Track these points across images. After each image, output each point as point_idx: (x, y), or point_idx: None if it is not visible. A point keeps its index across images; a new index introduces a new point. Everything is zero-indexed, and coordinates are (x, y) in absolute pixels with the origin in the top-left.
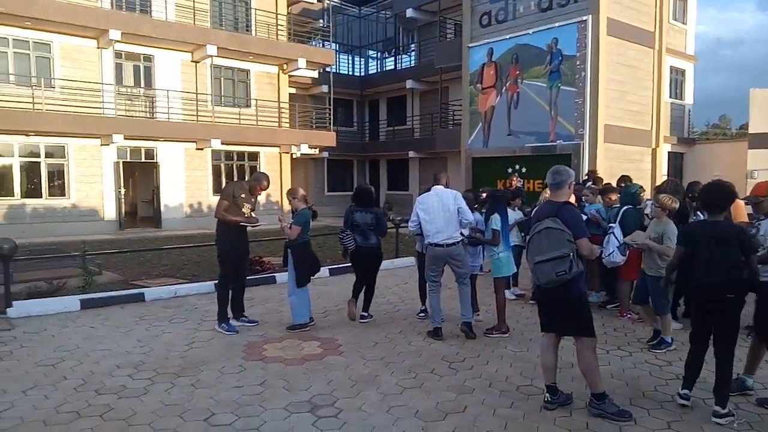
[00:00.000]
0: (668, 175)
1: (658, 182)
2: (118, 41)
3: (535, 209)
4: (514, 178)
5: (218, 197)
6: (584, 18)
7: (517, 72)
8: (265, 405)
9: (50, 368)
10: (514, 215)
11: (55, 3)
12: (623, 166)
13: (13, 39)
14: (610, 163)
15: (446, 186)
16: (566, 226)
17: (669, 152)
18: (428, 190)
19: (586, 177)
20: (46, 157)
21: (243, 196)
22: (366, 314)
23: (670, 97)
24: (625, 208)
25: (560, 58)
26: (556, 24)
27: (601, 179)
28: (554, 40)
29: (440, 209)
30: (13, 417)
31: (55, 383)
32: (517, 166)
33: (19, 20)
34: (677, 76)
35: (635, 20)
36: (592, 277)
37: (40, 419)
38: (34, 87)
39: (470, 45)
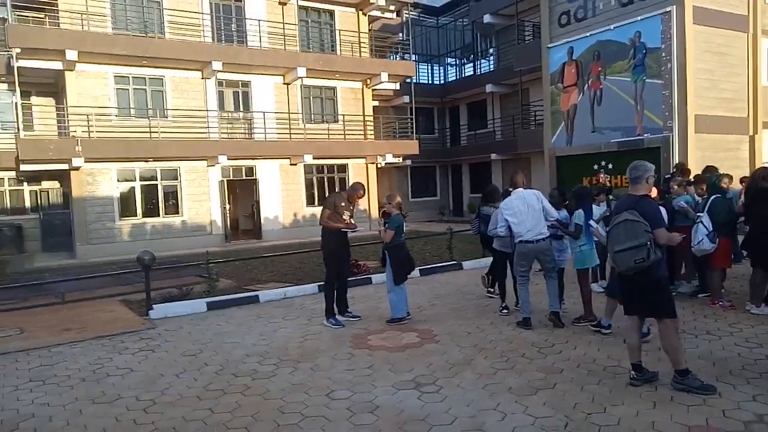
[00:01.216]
0: None
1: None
2: (219, 71)
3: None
4: (601, 175)
5: (311, 208)
6: (668, 9)
7: (600, 68)
8: (375, 383)
9: (193, 357)
10: (599, 210)
11: (167, 42)
12: (718, 156)
13: (133, 77)
14: (703, 153)
15: (524, 186)
16: (643, 217)
17: None
18: (508, 193)
19: (674, 170)
20: (162, 179)
21: (343, 204)
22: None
23: None
24: (713, 197)
25: (644, 51)
26: (639, 17)
27: (689, 171)
28: (637, 33)
29: (527, 210)
30: (173, 394)
31: (200, 368)
32: (603, 163)
33: (138, 60)
34: None
35: (725, 5)
36: (685, 267)
37: (194, 395)
38: (150, 118)
39: (550, 45)
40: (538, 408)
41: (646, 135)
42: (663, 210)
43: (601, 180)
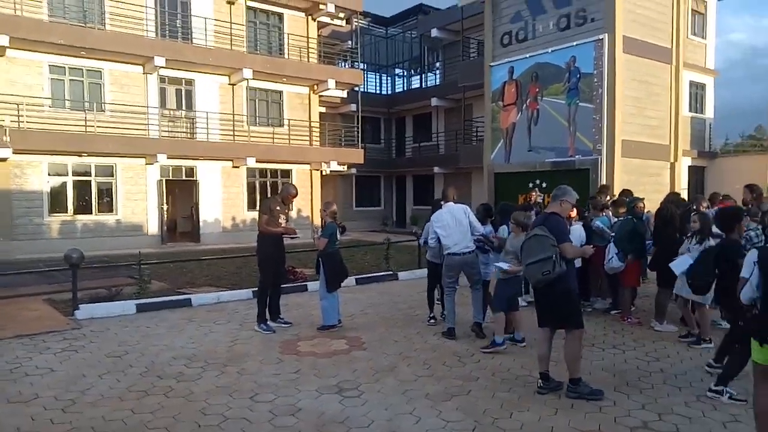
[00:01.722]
0: (688, 188)
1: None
2: (162, 67)
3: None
4: (534, 193)
5: (252, 213)
6: (600, 36)
7: (537, 89)
8: (299, 388)
9: (117, 359)
10: None
11: (107, 33)
12: (642, 180)
13: (69, 67)
14: (629, 177)
15: (455, 201)
16: (551, 232)
17: (690, 166)
18: (439, 206)
19: (598, 191)
20: (96, 175)
21: (278, 208)
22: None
23: (690, 111)
24: (621, 219)
25: (578, 75)
26: (574, 43)
27: (609, 193)
28: (572, 58)
29: (454, 224)
30: (94, 394)
31: (124, 370)
32: (538, 181)
33: (75, 50)
34: (697, 90)
35: (651, 37)
36: (599, 284)
37: (116, 396)
38: (87, 111)
39: (492, 64)
40: (451, 413)
41: (577, 156)
42: (581, 229)
43: (533, 197)
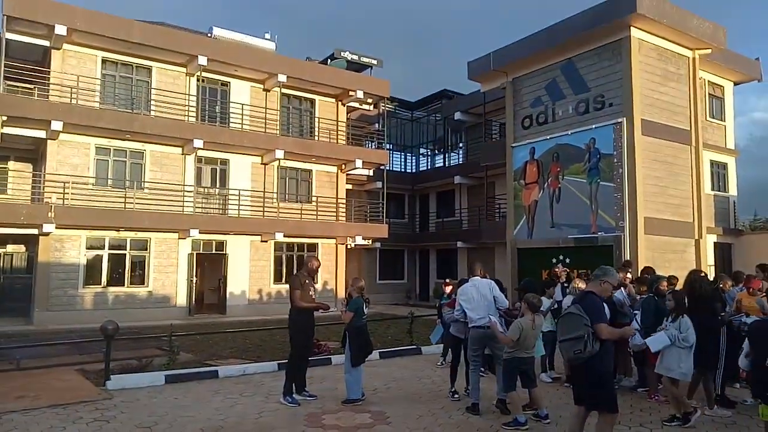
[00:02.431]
0: (715, 265)
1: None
2: (200, 149)
3: (564, 299)
4: (558, 268)
5: (278, 285)
6: (619, 120)
7: (558, 169)
8: None
9: (148, 429)
10: (547, 303)
11: (152, 119)
12: (666, 257)
13: (114, 149)
14: (653, 253)
15: (482, 276)
16: (585, 312)
17: (715, 243)
18: (466, 281)
19: (620, 267)
20: (131, 249)
21: (307, 282)
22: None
23: (713, 189)
24: (644, 297)
25: (598, 156)
26: (593, 126)
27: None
28: (592, 140)
29: (480, 298)
30: None
31: None
32: (561, 257)
33: (121, 134)
34: (719, 169)
35: (670, 120)
36: (625, 362)
37: None
38: (127, 189)
39: (513, 145)
40: None
41: (600, 233)
42: (605, 306)
43: (558, 272)
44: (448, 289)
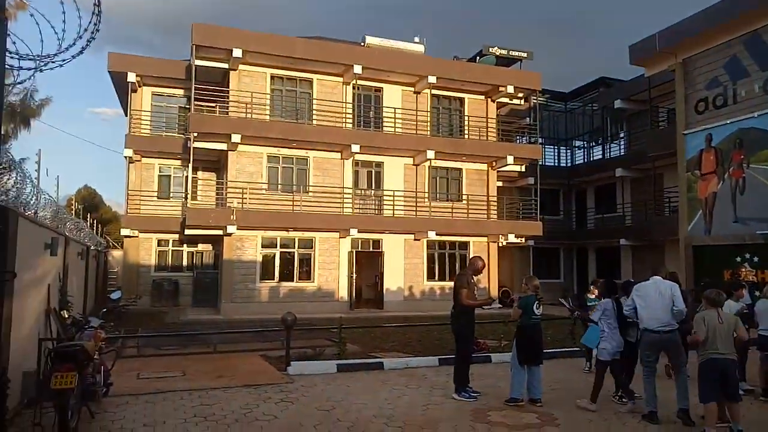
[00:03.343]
0: None
1: None
2: (357, 153)
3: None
4: (744, 269)
5: (430, 282)
6: None
7: (742, 156)
8: None
9: (327, 412)
10: (736, 306)
11: (314, 127)
12: None
13: (282, 156)
14: None
15: (664, 277)
16: None
17: None
18: (631, 283)
19: None
20: (298, 248)
21: (472, 281)
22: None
23: None
24: None
25: None
26: None
27: None
28: None
29: (657, 296)
30: None
31: (333, 423)
32: (747, 255)
33: (288, 143)
34: None
35: None
36: None
37: None
38: (294, 193)
39: (686, 132)
40: None
41: None
42: None
43: (743, 274)
44: (594, 294)
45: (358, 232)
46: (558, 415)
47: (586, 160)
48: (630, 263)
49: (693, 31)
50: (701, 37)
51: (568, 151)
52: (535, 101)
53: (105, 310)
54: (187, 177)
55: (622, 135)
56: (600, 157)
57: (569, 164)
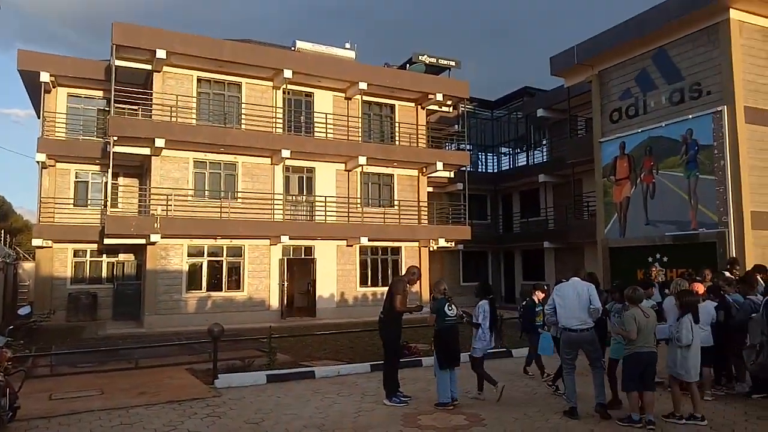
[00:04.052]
0: None
1: None
2: (287, 158)
3: (665, 300)
4: (654, 268)
5: (363, 288)
6: (719, 108)
7: (652, 163)
8: None
9: (255, 425)
10: (648, 303)
11: (243, 132)
12: None
13: (210, 162)
14: (763, 250)
15: (583, 279)
16: None
17: None
18: (567, 280)
19: (728, 265)
20: (227, 256)
21: (407, 288)
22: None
23: None
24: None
25: (696, 148)
26: (690, 116)
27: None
28: (689, 131)
29: (575, 296)
30: None
31: None
32: (658, 255)
33: (216, 147)
34: None
35: None
36: (739, 367)
37: None
38: (222, 199)
39: (602, 140)
40: None
41: (701, 229)
42: (711, 307)
43: (654, 273)
44: (541, 296)
45: (290, 238)
46: (485, 416)
47: (511, 166)
48: (553, 265)
49: (607, 45)
50: (615, 51)
51: (495, 157)
52: (463, 109)
53: (11, 327)
54: (106, 183)
55: (544, 142)
56: (524, 163)
57: (496, 170)
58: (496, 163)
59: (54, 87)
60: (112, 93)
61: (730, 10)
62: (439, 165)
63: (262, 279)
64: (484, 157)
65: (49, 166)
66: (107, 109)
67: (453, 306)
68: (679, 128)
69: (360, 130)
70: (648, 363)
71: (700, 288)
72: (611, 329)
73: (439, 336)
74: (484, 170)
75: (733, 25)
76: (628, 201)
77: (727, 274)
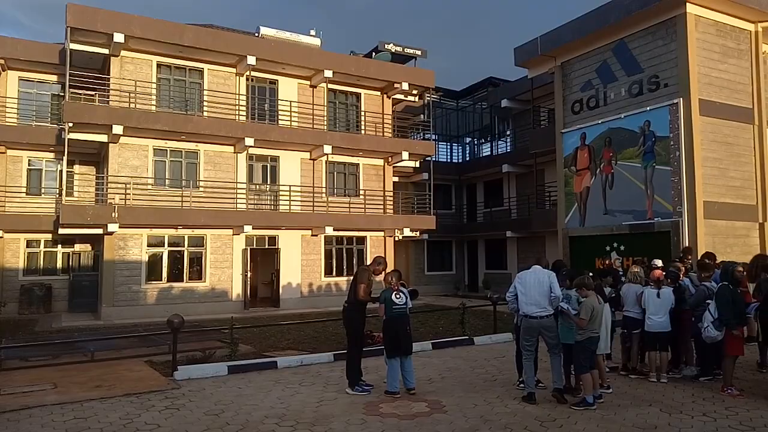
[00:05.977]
0: None
1: None
2: (251, 147)
3: (622, 286)
4: (610, 260)
5: (328, 278)
6: (675, 101)
7: (611, 154)
8: None
9: (215, 417)
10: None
11: (205, 119)
12: (728, 241)
13: (170, 150)
14: (713, 239)
15: (545, 267)
16: None
17: None
18: (528, 268)
19: (681, 254)
20: (188, 246)
21: (371, 279)
22: None
23: None
24: (720, 285)
25: (653, 139)
26: (648, 108)
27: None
28: (646, 122)
29: (536, 284)
30: None
31: (222, 427)
32: (615, 244)
33: (177, 135)
34: None
35: (730, 98)
36: (688, 351)
37: None
38: (183, 188)
39: (563, 131)
40: None
41: (656, 219)
42: (671, 293)
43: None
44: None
45: (253, 228)
46: (446, 402)
47: (475, 156)
48: (515, 254)
49: (569, 37)
50: (577, 43)
51: (460, 147)
52: (428, 98)
53: None
54: (61, 171)
55: (508, 133)
56: (489, 153)
57: (460, 160)
58: (461, 153)
59: (4, 70)
60: (67, 77)
61: (687, 4)
62: (405, 155)
63: (225, 269)
64: (449, 147)
65: (0, 153)
66: (62, 94)
67: (402, 294)
68: (638, 120)
69: (325, 118)
70: (596, 345)
71: (659, 274)
72: (562, 317)
73: (388, 325)
74: (449, 160)
75: (689, 19)
76: (588, 191)
77: (679, 264)
